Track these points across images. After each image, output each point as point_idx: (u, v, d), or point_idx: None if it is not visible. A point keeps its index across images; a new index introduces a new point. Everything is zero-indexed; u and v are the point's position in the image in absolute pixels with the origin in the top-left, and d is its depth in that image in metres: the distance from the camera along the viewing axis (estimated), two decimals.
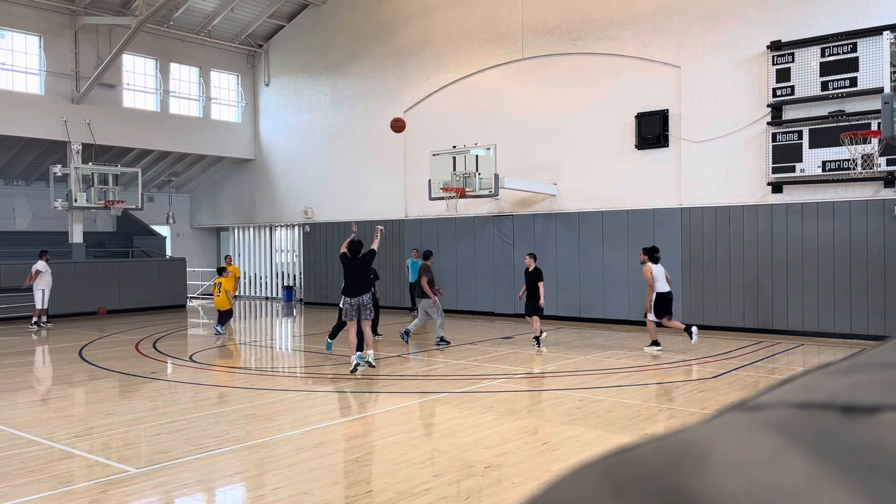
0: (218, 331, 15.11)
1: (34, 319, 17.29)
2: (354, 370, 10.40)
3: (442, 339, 13.22)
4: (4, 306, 18.56)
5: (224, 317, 15.22)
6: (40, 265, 17.25)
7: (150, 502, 5.52)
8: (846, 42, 13.51)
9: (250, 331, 16.22)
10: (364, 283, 10.63)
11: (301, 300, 23.71)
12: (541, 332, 13.04)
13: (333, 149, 22.44)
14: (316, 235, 23.02)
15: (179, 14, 22.21)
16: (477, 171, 15.96)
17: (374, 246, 10.80)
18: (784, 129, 14.22)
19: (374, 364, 10.71)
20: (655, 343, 12.48)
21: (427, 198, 17.08)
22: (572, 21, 17.19)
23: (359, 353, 10.71)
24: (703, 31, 15.31)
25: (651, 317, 12.33)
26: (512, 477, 5.86)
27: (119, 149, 22.43)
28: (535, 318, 12.91)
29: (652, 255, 12.35)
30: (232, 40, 24.14)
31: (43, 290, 17.24)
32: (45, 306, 17.37)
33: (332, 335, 12.53)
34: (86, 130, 20.72)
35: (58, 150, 21.06)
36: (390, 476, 5.88)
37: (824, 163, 13.71)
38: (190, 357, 12.69)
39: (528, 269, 12.98)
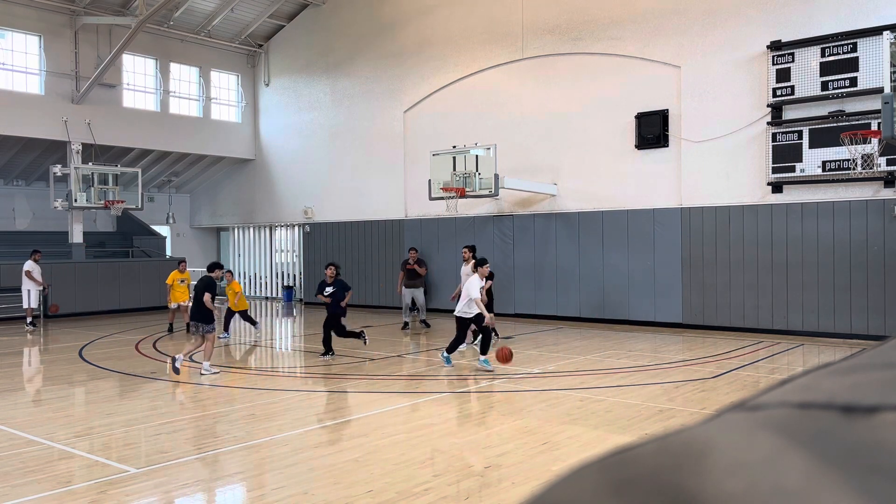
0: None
1: (29, 319, 17.27)
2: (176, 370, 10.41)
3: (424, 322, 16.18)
4: (4, 306, 18.56)
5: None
6: (28, 265, 17.23)
7: (150, 502, 5.52)
8: (846, 42, 13.50)
9: (250, 330, 16.21)
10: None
11: (301, 300, 23.70)
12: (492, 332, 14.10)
13: (333, 149, 22.43)
14: (316, 235, 23.02)
15: (179, 14, 22.20)
16: (477, 171, 15.96)
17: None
18: (784, 129, 14.21)
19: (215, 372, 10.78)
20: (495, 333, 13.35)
21: (427, 198, 17.07)
22: (572, 21, 17.19)
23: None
24: (703, 31, 15.30)
25: (489, 317, 12.64)
26: (512, 477, 5.86)
27: (119, 149, 22.42)
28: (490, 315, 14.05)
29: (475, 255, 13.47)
30: (232, 40, 24.13)
31: (28, 291, 17.20)
32: (33, 305, 17.34)
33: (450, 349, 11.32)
34: (86, 130, 20.71)
35: (58, 150, 21.06)
36: (390, 476, 5.88)
37: (824, 163, 13.70)
38: (190, 357, 12.69)
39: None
